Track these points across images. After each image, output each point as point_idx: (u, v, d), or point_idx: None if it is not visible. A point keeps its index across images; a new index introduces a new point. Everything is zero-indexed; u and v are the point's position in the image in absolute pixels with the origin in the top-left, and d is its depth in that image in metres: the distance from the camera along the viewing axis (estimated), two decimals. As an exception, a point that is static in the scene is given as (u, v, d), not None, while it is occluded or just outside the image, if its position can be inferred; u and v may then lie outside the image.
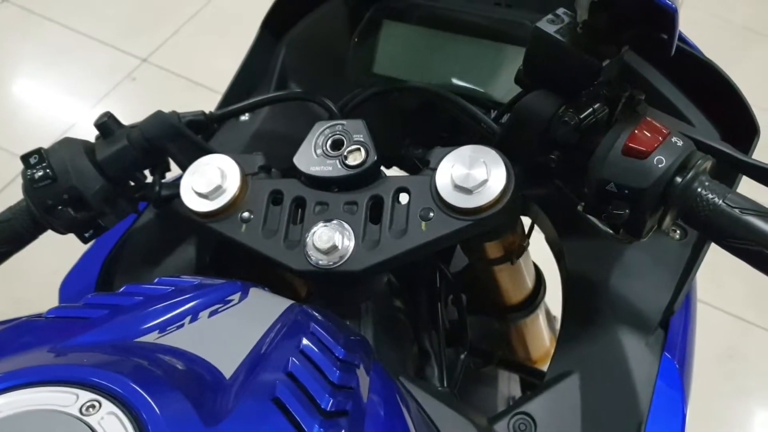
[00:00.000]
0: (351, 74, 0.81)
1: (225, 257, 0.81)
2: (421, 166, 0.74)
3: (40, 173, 0.66)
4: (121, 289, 0.55)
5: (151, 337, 0.49)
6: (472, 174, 0.59)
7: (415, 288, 0.75)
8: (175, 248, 0.79)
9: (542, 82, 0.60)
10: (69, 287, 0.79)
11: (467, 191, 0.59)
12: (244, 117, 0.89)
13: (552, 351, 1.10)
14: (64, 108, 2.38)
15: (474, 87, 0.76)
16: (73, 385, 0.39)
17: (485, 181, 0.58)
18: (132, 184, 0.71)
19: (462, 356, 0.76)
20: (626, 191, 0.54)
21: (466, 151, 0.61)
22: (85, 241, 0.69)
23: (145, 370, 0.42)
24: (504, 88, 0.73)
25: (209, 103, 2.40)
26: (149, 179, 0.73)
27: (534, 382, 1.07)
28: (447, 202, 0.59)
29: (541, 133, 0.59)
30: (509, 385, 1.04)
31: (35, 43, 2.57)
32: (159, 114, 0.71)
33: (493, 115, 0.73)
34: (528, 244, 0.75)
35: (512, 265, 0.75)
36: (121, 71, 2.45)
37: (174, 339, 0.49)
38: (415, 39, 0.79)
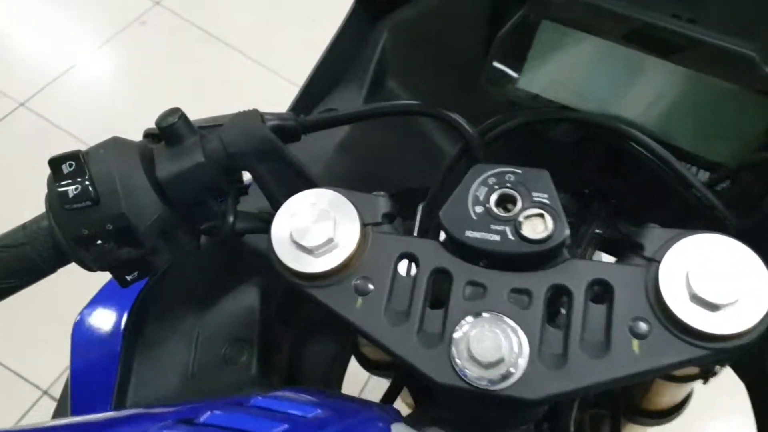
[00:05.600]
0: (487, 84, 0.62)
1: (295, 307, 0.62)
2: (596, 228, 0.55)
3: (77, 190, 0.46)
4: (252, 402, 0.36)
5: None
6: (721, 282, 0.40)
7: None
8: (232, 288, 0.60)
9: None
10: (85, 327, 0.59)
11: (712, 307, 0.40)
12: (328, 116, 0.70)
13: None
14: (65, 46, 2.13)
15: (663, 129, 0.57)
16: None
17: (738, 299, 0.40)
18: (195, 210, 0.51)
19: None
20: None
21: (705, 240, 0.42)
22: (125, 284, 0.50)
23: None
24: (712, 141, 0.54)
25: (224, 60, 2.18)
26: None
27: None
28: (676, 318, 0.40)
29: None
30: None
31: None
32: (245, 119, 0.51)
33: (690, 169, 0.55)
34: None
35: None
36: (131, 12, 2.21)
37: None
38: (581, 50, 0.60)
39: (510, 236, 0.44)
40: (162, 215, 0.48)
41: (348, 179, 0.67)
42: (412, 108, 0.59)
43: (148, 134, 0.55)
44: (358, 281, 0.46)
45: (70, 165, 0.46)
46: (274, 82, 2.08)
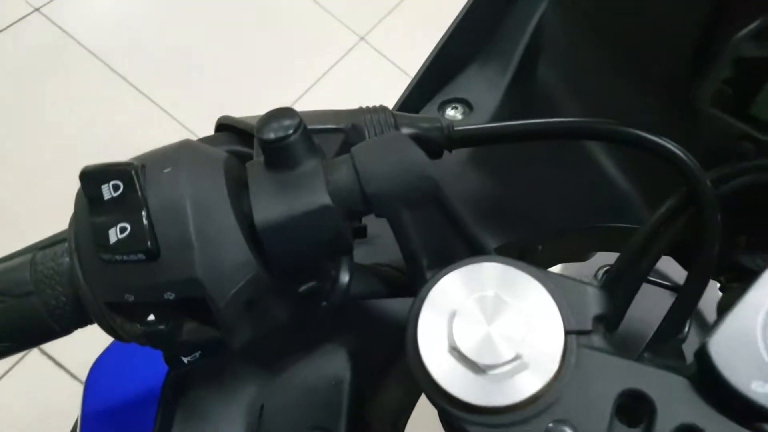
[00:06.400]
0: (704, 105, 0.43)
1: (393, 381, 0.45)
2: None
3: (124, 233, 0.28)
4: None
5: None
6: None
7: None
8: (310, 348, 0.43)
9: None
10: (103, 384, 0.42)
11: None
12: (451, 112, 0.52)
13: None
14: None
15: None
16: None
17: None
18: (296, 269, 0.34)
19: None
20: None
21: None
22: (178, 367, 0.32)
23: None
24: None
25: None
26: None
27: None
28: None
29: None
30: None
31: None
32: (386, 136, 0.33)
33: None
34: None
35: None
36: None
37: None
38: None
39: (828, 403, 0.27)
40: (253, 279, 0.30)
41: (481, 208, 0.49)
42: (622, 133, 0.40)
43: (223, 126, 0.37)
44: (552, 426, 0.29)
45: (116, 187, 0.28)
46: (319, 16, 1.87)
